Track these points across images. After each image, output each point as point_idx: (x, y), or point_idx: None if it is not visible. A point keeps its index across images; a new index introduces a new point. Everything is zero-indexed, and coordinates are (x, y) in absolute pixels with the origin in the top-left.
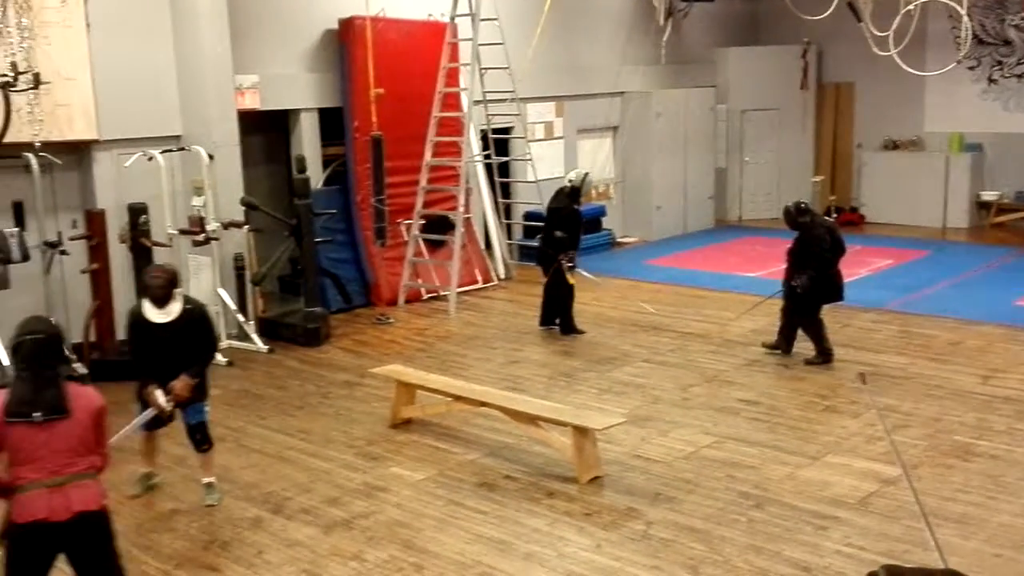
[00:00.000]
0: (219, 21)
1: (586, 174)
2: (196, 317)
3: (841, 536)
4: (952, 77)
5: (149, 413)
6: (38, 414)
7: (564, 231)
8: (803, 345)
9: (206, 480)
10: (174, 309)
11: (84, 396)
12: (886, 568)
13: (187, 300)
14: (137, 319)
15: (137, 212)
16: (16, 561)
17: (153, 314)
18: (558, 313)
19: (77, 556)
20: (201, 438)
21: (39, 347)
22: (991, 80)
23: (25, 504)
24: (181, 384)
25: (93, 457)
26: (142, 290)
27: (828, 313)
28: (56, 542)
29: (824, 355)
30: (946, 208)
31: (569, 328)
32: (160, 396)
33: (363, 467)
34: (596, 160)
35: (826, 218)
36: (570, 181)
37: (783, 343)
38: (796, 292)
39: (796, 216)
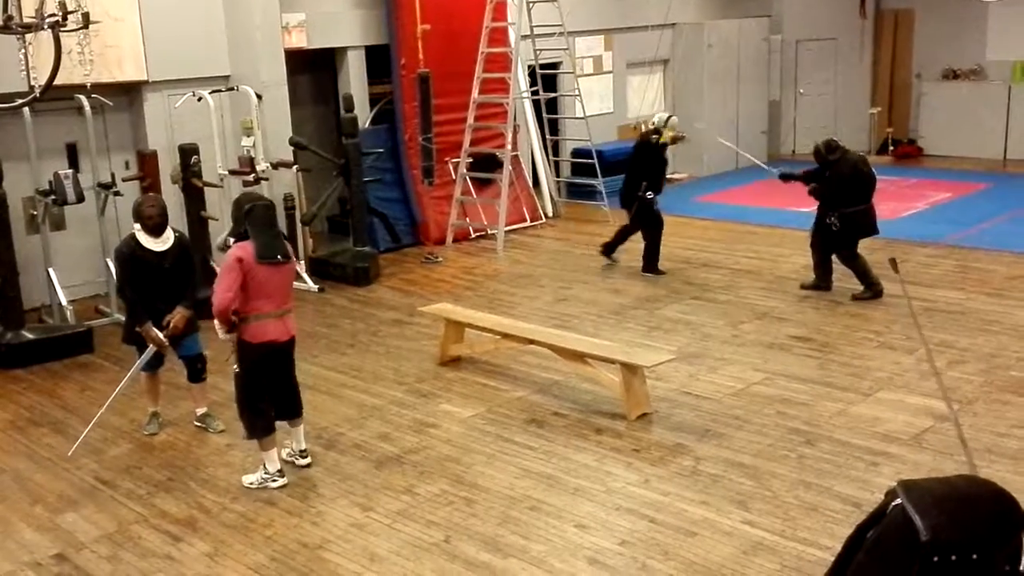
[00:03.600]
0: None
1: (669, 116)
2: (186, 244)
3: (893, 472)
4: (1015, 2)
5: (149, 352)
6: (280, 257)
7: (642, 171)
8: (849, 280)
9: (202, 411)
10: (169, 237)
11: (291, 251)
12: (902, 483)
13: (173, 229)
14: (134, 251)
15: (188, 153)
16: (254, 371)
17: (151, 243)
18: (649, 251)
19: (281, 369)
20: (202, 367)
21: (269, 210)
22: None
23: (260, 329)
24: (179, 316)
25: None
26: (139, 221)
27: (883, 247)
28: (278, 357)
29: (871, 288)
30: (1007, 139)
31: (649, 267)
32: (158, 332)
33: (413, 404)
34: (646, 95)
35: (859, 155)
36: (653, 124)
37: (822, 279)
38: (831, 230)
39: (827, 154)
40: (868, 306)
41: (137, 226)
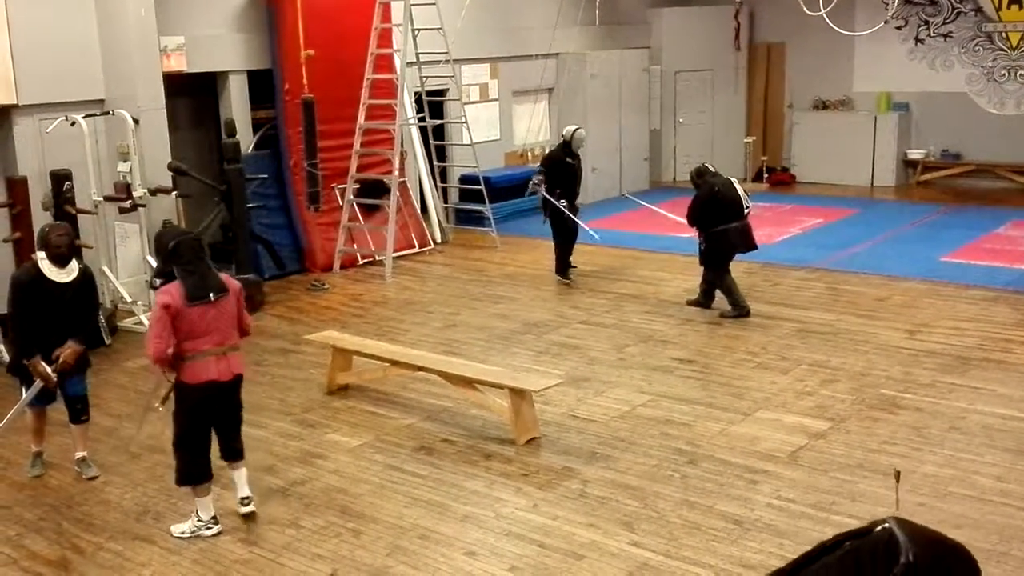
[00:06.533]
0: None
1: (576, 128)
2: (89, 278)
3: (771, 489)
4: (880, 37)
5: (37, 387)
6: (212, 295)
7: (553, 178)
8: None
9: (80, 454)
10: (74, 268)
11: (229, 280)
12: (894, 516)
13: (78, 261)
14: (33, 280)
15: (61, 179)
16: (194, 415)
17: (55, 274)
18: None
19: (225, 410)
20: (82, 408)
21: (195, 243)
22: (918, 40)
23: (198, 368)
24: (70, 351)
25: (238, 331)
26: (44, 249)
27: (759, 272)
28: (220, 398)
29: (737, 308)
30: (874, 167)
31: (560, 269)
32: (46, 367)
33: (299, 434)
34: (531, 123)
35: (725, 180)
36: (563, 136)
37: (702, 297)
38: (700, 248)
39: (696, 179)
40: (746, 328)
41: (41, 254)
